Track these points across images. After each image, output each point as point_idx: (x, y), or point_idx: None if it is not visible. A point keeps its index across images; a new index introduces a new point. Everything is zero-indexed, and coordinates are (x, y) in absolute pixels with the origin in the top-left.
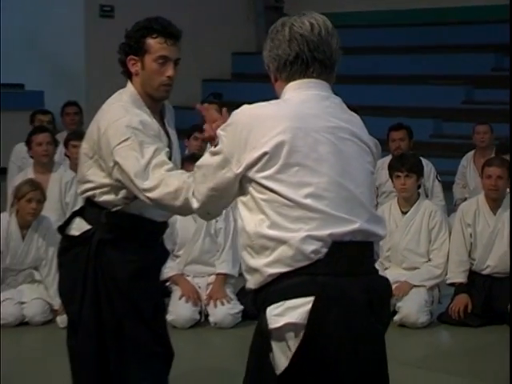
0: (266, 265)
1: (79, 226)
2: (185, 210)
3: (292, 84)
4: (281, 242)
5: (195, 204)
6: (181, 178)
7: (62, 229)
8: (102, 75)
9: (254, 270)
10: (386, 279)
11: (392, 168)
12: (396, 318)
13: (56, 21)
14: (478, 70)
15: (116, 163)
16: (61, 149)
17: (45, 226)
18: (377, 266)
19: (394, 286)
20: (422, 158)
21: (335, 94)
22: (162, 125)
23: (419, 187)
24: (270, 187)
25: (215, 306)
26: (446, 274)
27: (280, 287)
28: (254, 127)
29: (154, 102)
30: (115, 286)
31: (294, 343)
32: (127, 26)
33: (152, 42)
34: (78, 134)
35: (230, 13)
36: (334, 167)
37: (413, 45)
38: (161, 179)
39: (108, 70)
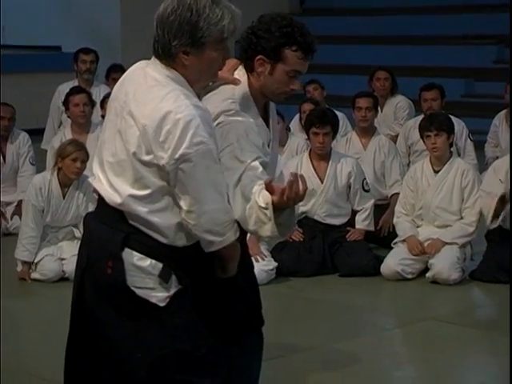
0: None
1: None
2: None
3: None
4: None
5: None
6: None
7: None
8: (136, 37)
9: None
10: None
11: (422, 128)
12: (429, 274)
13: None
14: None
15: None
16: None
17: (86, 184)
18: (409, 223)
19: (426, 244)
20: (453, 117)
21: (371, 55)
22: (265, 113)
23: (451, 146)
24: None
25: None
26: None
27: None
28: None
29: (265, 99)
30: None
31: None
32: None
33: (290, 55)
34: None
35: None
36: None
37: (446, 4)
38: None
39: (143, 31)
